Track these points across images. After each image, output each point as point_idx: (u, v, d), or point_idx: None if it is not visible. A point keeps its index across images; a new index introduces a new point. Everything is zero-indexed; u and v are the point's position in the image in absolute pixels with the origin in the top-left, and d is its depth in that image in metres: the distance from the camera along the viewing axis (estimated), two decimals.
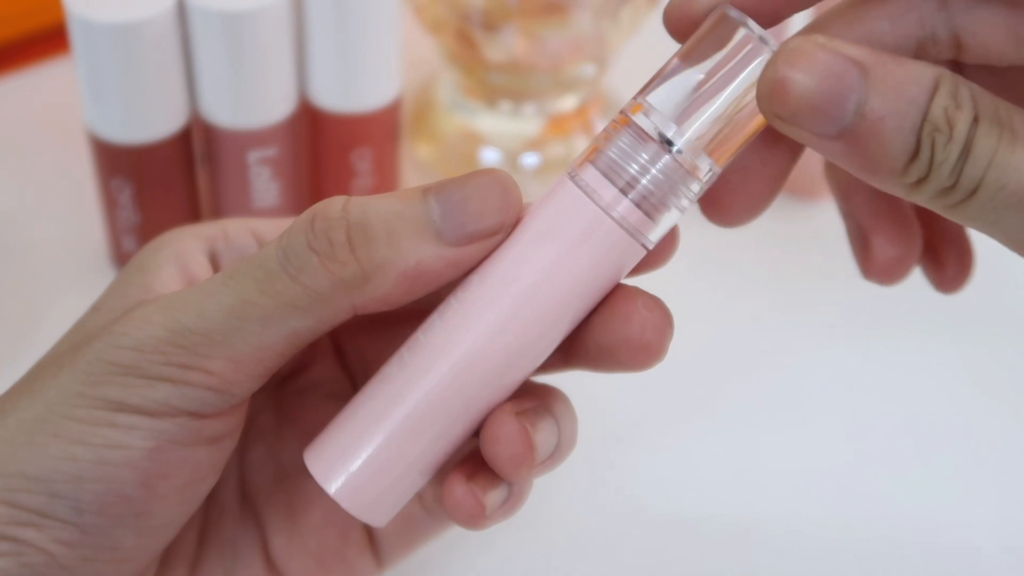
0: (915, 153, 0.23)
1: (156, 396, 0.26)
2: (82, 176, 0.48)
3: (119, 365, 0.26)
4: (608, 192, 0.26)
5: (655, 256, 0.28)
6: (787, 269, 0.50)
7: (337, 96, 0.44)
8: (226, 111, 0.43)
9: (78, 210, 0.49)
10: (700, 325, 0.43)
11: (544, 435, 0.27)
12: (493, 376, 0.26)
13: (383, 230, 0.25)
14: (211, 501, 0.31)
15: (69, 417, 0.26)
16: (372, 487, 0.27)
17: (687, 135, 0.25)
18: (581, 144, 0.53)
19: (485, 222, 0.26)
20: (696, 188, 0.26)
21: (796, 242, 0.50)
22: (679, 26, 0.27)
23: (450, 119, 0.53)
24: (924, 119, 0.23)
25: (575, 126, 0.53)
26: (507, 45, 0.48)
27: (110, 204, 0.44)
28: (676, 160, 0.25)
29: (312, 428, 0.28)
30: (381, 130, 0.46)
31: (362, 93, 0.45)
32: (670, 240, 0.28)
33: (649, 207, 0.26)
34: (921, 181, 0.23)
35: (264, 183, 0.45)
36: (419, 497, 0.32)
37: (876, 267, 0.32)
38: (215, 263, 0.31)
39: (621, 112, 0.26)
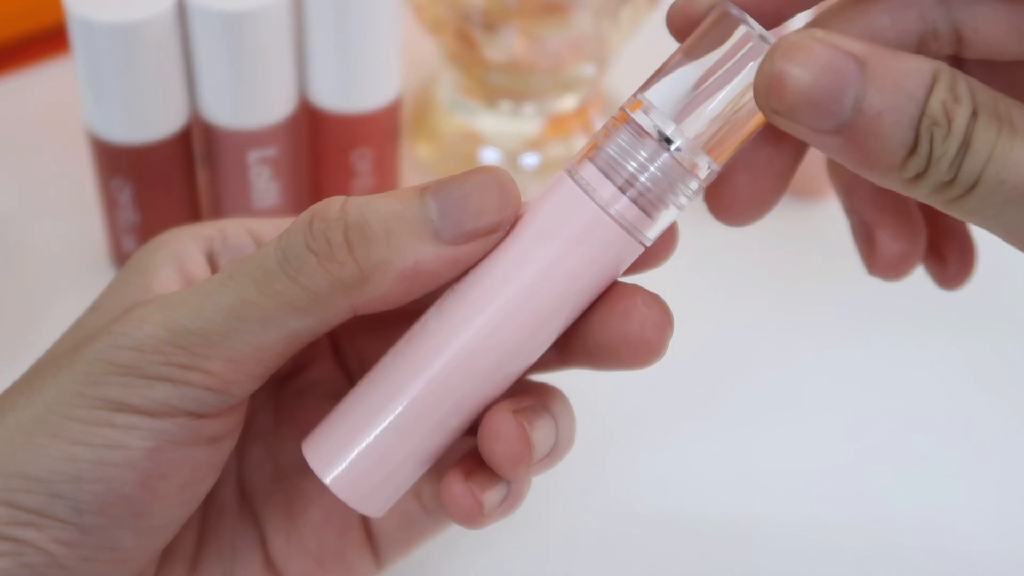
0: (913, 148, 0.23)
1: (156, 396, 0.26)
2: (82, 176, 0.48)
3: (119, 365, 0.26)
4: (607, 189, 0.26)
5: (655, 254, 0.28)
6: (787, 269, 0.50)
7: (337, 96, 0.44)
8: (226, 111, 0.43)
9: (78, 210, 0.49)
10: (700, 324, 0.43)
11: (542, 433, 0.27)
12: (491, 370, 0.26)
13: (381, 230, 0.25)
14: (210, 501, 0.31)
15: (69, 417, 0.26)
16: (369, 478, 0.27)
17: (686, 133, 0.25)
18: (581, 144, 0.53)
19: (483, 220, 0.26)
20: (695, 186, 0.26)
21: (796, 242, 0.50)
22: (682, 27, 0.27)
23: (450, 119, 0.53)
24: (922, 113, 0.23)
25: (575, 126, 0.53)
26: (507, 45, 0.48)
27: (110, 204, 0.44)
28: (675, 158, 0.25)
29: (310, 428, 0.28)
30: (381, 130, 0.46)
31: (362, 93, 0.45)
32: (669, 238, 0.28)
33: (647, 204, 0.26)
34: (919, 176, 0.23)
35: (264, 183, 0.45)
36: (418, 496, 0.32)
37: (881, 262, 0.32)
38: (213, 263, 0.31)
39: (621, 109, 0.26)
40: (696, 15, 0.26)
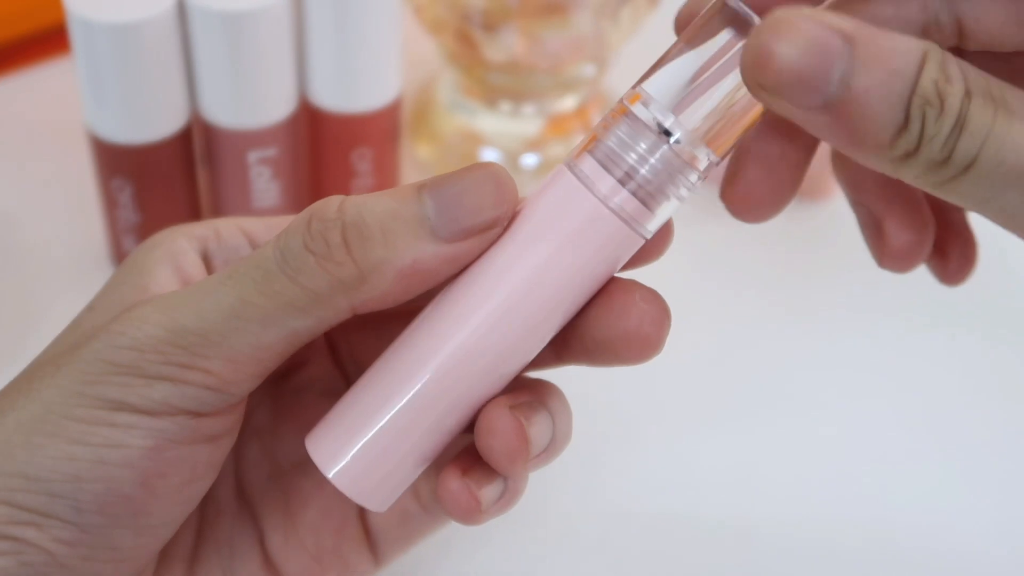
0: (903, 126, 0.23)
1: (155, 395, 0.26)
2: (82, 176, 0.48)
3: (118, 364, 0.26)
4: (606, 182, 0.26)
5: (651, 250, 0.28)
6: (788, 268, 0.50)
7: (337, 96, 0.45)
8: (226, 111, 0.43)
9: (78, 210, 0.49)
10: (700, 322, 0.44)
11: (539, 429, 0.27)
12: (492, 365, 0.26)
13: (378, 229, 0.25)
14: (208, 499, 0.31)
15: (68, 417, 0.26)
16: (371, 472, 0.27)
17: (685, 125, 0.25)
18: None
19: (480, 216, 0.26)
20: (694, 178, 0.26)
21: (797, 241, 0.50)
22: None
23: (450, 119, 0.53)
24: (913, 92, 0.22)
25: (575, 126, 0.53)
26: (507, 45, 0.48)
27: (110, 204, 0.44)
28: (674, 150, 0.25)
29: (307, 426, 0.28)
30: (381, 130, 0.46)
31: (362, 93, 0.45)
32: (665, 234, 0.28)
33: (647, 197, 0.26)
34: (909, 155, 0.23)
35: (264, 183, 0.45)
36: (415, 493, 0.32)
37: (890, 254, 0.31)
38: (208, 263, 0.31)
39: (619, 102, 0.26)
40: None
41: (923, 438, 0.43)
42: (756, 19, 0.25)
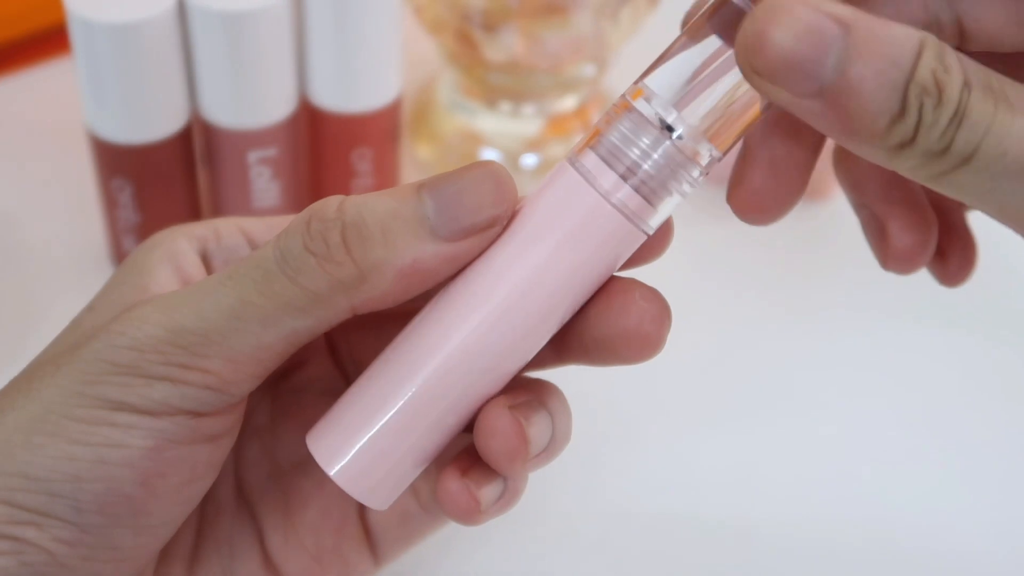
0: (899, 115, 0.22)
1: (155, 395, 0.26)
2: (82, 176, 0.49)
3: (118, 364, 0.26)
4: (608, 178, 0.26)
5: (651, 249, 0.28)
6: (788, 267, 0.50)
7: (337, 96, 0.45)
8: (226, 111, 0.43)
9: (78, 210, 0.49)
10: (700, 322, 0.44)
11: (538, 429, 0.27)
12: (493, 363, 0.26)
13: (378, 229, 0.25)
14: (208, 499, 0.31)
15: (68, 416, 0.26)
16: (372, 470, 0.27)
17: (688, 120, 0.25)
18: None
19: (480, 215, 0.26)
20: (696, 173, 0.26)
21: (797, 241, 0.50)
22: None
23: (450, 119, 0.53)
24: (910, 80, 0.22)
25: (575, 126, 0.53)
26: (507, 45, 0.48)
27: (110, 204, 0.44)
28: (676, 146, 0.25)
29: (307, 426, 0.28)
30: (381, 130, 0.46)
31: (362, 93, 0.45)
32: (665, 232, 0.28)
33: (649, 193, 0.26)
34: (905, 145, 0.23)
35: (264, 183, 0.45)
36: (415, 493, 0.32)
37: (895, 255, 0.31)
38: (207, 263, 0.31)
39: (622, 97, 0.26)
40: None
41: (923, 438, 0.43)
42: None
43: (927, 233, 0.31)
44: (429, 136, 0.54)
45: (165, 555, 0.30)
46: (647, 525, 0.40)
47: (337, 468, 0.27)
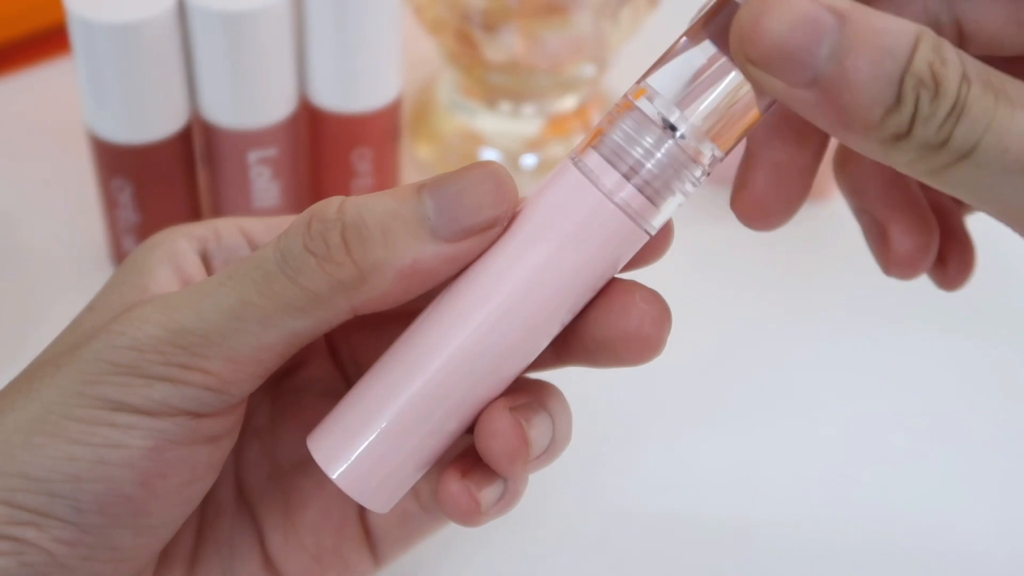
0: (894, 105, 0.22)
1: (155, 396, 0.26)
2: (82, 176, 0.49)
3: (118, 365, 0.26)
4: (611, 177, 0.25)
5: (651, 250, 0.28)
6: (788, 268, 0.50)
7: (337, 96, 0.45)
8: (226, 111, 0.43)
9: (78, 210, 0.49)
10: (700, 323, 0.44)
11: (539, 430, 0.27)
12: (494, 364, 0.26)
13: (378, 230, 0.25)
14: (208, 499, 0.31)
15: (68, 417, 0.26)
16: (374, 473, 0.27)
17: (690, 120, 0.25)
18: None
19: (480, 216, 0.26)
20: (699, 173, 0.26)
21: (797, 241, 0.50)
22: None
23: (450, 119, 0.53)
24: (905, 71, 0.22)
25: (575, 126, 0.53)
26: (507, 45, 0.48)
27: (110, 204, 0.44)
28: (679, 145, 0.25)
29: (307, 426, 0.28)
30: (381, 130, 0.46)
31: (362, 93, 0.45)
32: (665, 235, 0.28)
33: (652, 192, 0.26)
34: (901, 137, 0.23)
35: (264, 183, 0.45)
36: (415, 494, 0.32)
37: (896, 260, 0.31)
38: (207, 263, 0.31)
39: (624, 97, 0.26)
40: None
41: (923, 438, 0.43)
42: None
43: (928, 237, 0.31)
44: (429, 136, 0.54)
45: (165, 555, 0.30)
46: (647, 526, 0.40)
47: (339, 471, 0.27)
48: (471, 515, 0.28)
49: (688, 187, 0.26)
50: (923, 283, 0.34)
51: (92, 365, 0.26)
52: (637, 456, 0.42)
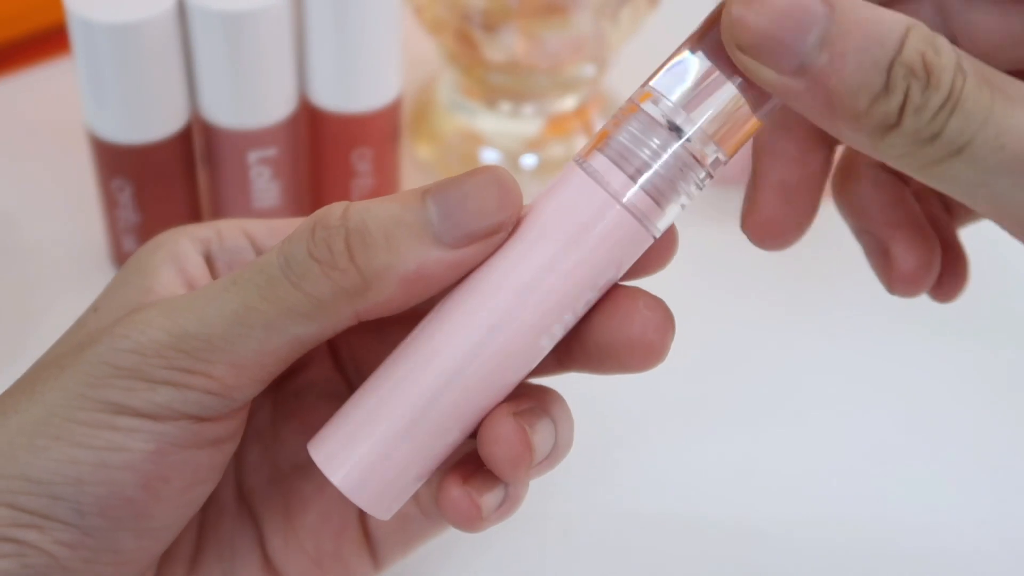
0: (882, 94, 0.22)
1: (157, 399, 0.26)
2: (82, 176, 0.48)
3: (120, 368, 0.26)
4: (618, 178, 0.25)
5: (656, 259, 0.27)
6: (788, 270, 0.50)
7: (337, 96, 0.44)
8: (226, 111, 0.43)
9: (78, 210, 0.49)
10: (700, 325, 0.44)
11: (542, 436, 0.27)
12: (497, 370, 0.26)
13: (382, 236, 0.25)
14: (209, 502, 0.31)
15: (70, 419, 0.26)
16: (376, 478, 0.27)
17: (696, 123, 0.25)
18: (581, 144, 0.53)
19: (484, 221, 0.25)
20: (703, 176, 0.26)
21: (798, 243, 0.50)
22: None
23: (450, 119, 0.53)
24: (894, 59, 0.22)
25: (575, 126, 0.53)
26: (507, 45, 0.48)
27: (110, 204, 0.44)
28: (685, 148, 0.25)
29: (308, 429, 0.28)
30: (381, 130, 0.46)
31: (362, 93, 0.45)
32: (670, 243, 0.28)
33: (657, 194, 0.26)
34: (891, 127, 0.23)
35: (264, 183, 0.45)
36: (416, 498, 0.32)
37: (900, 277, 0.31)
38: (210, 264, 0.31)
39: (629, 100, 0.26)
40: None
41: (925, 438, 0.43)
42: None
43: (931, 254, 0.31)
44: (429, 136, 0.54)
45: (166, 558, 0.30)
46: (648, 530, 0.40)
47: (342, 476, 0.27)
48: (472, 521, 0.28)
49: (692, 189, 0.26)
50: None
51: (95, 368, 0.26)
52: (638, 459, 0.42)
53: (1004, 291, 0.48)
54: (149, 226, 0.45)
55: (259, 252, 0.31)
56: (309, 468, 0.31)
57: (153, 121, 0.42)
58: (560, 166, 0.52)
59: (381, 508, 0.27)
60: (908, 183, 0.31)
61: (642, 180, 0.25)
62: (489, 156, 0.52)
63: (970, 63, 0.23)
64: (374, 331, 0.31)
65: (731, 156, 0.26)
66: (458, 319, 0.26)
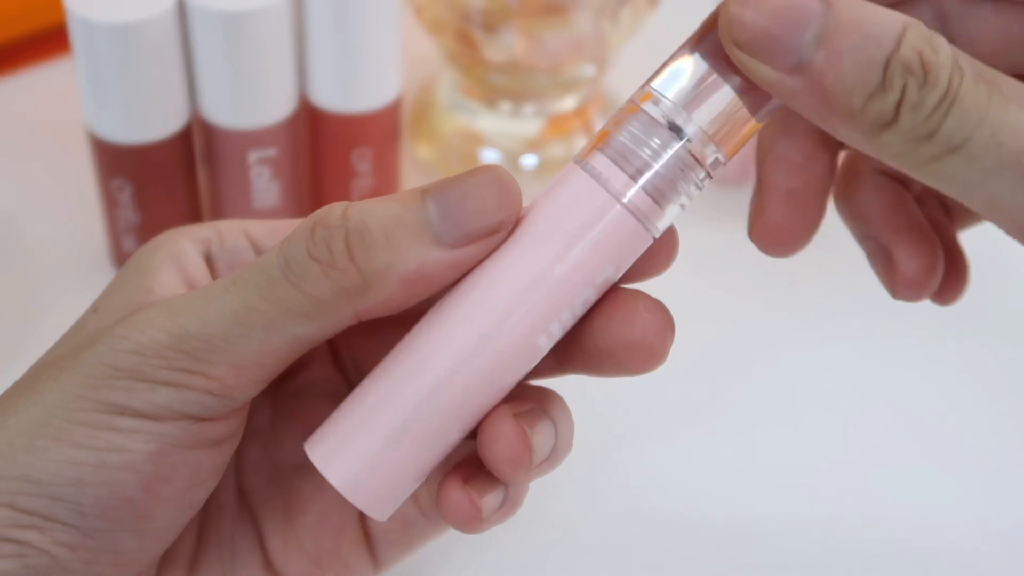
0: (879, 92, 0.22)
1: (158, 400, 0.26)
2: (82, 176, 0.48)
3: (121, 369, 0.26)
4: (619, 178, 0.26)
5: (656, 262, 0.28)
6: (787, 269, 0.50)
7: (337, 96, 0.44)
8: (226, 111, 0.43)
9: (78, 210, 0.49)
10: (699, 325, 0.43)
11: (542, 437, 0.27)
12: (497, 370, 0.26)
13: (382, 236, 0.25)
14: (209, 502, 0.31)
15: (70, 420, 0.26)
16: (374, 479, 0.27)
17: (697, 123, 0.25)
18: (581, 144, 0.53)
19: (483, 221, 0.25)
20: (702, 176, 0.26)
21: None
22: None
23: (450, 119, 0.53)
24: (891, 57, 0.22)
25: (575, 126, 0.53)
26: (507, 45, 0.48)
27: (110, 204, 0.44)
28: (685, 148, 0.25)
29: (308, 428, 0.28)
30: (381, 130, 0.46)
31: (362, 93, 0.45)
32: (671, 246, 0.28)
33: (658, 194, 0.26)
34: (887, 125, 0.23)
35: (264, 183, 0.45)
36: (415, 499, 0.32)
37: (903, 282, 0.31)
38: (210, 264, 0.31)
39: (630, 100, 0.26)
40: None
41: (924, 436, 0.43)
42: None
43: (934, 259, 0.31)
44: (429, 136, 0.54)
45: (167, 558, 0.30)
46: (648, 531, 0.40)
47: (339, 476, 0.27)
48: (472, 522, 0.28)
49: (692, 190, 0.26)
50: None
51: (95, 369, 0.26)
52: (638, 460, 0.42)
53: (1004, 291, 0.48)
54: (149, 226, 0.45)
55: (259, 252, 0.31)
56: (309, 468, 0.31)
57: (153, 121, 0.42)
58: (560, 166, 0.52)
59: (379, 508, 0.27)
60: (910, 188, 0.31)
61: (643, 180, 0.25)
62: (489, 156, 0.52)
63: (967, 61, 0.23)
64: (374, 331, 0.31)
65: (731, 157, 0.26)
66: (457, 318, 0.26)
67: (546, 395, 0.29)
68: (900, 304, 0.45)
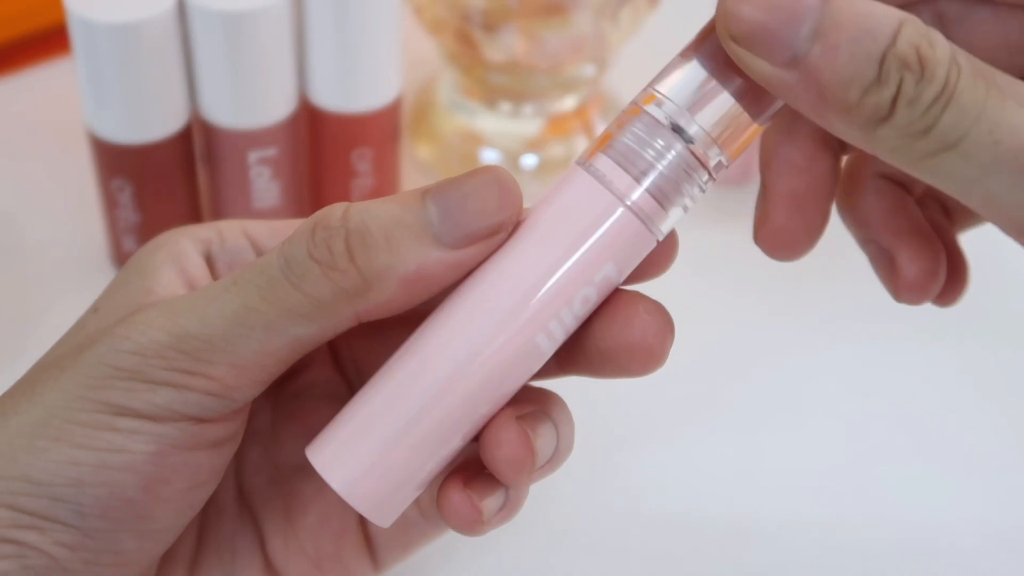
0: (874, 85, 0.22)
1: (158, 400, 0.26)
2: (82, 176, 0.48)
3: (121, 369, 0.26)
4: (623, 180, 0.25)
5: (656, 263, 0.28)
6: (787, 270, 0.50)
7: (337, 96, 0.44)
8: (226, 111, 0.43)
9: (78, 210, 0.49)
10: (700, 327, 0.43)
11: (544, 440, 0.27)
12: (499, 374, 0.26)
13: (382, 236, 0.25)
14: (210, 503, 0.31)
15: (71, 421, 0.26)
16: (376, 484, 0.26)
17: (700, 125, 0.25)
18: (581, 144, 0.53)
19: (484, 221, 0.25)
20: (705, 178, 0.26)
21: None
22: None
23: (450, 119, 0.53)
24: (887, 51, 0.22)
25: (575, 126, 0.53)
26: (507, 45, 0.48)
27: (110, 204, 0.44)
28: (689, 150, 0.25)
29: (308, 430, 0.28)
30: (381, 130, 0.46)
31: (362, 93, 0.45)
32: (671, 248, 0.28)
33: (661, 196, 0.26)
34: (883, 120, 0.23)
35: (264, 183, 0.45)
36: (416, 501, 0.31)
37: (906, 285, 0.31)
38: (211, 265, 0.31)
39: (633, 103, 0.26)
40: None
41: (924, 438, 0.43)
42: None
43: (936, 262, 0.31)
44: (429, 136, 0.54)
45: (167, 559, 0.30)
46: (649, 532, 0.40)
47: (341, 481, 0.27)
48: (473, 524, 0.28)
49: (695, 192, 0.26)
50: None
51: (95, 369, 0.26)
52: (639, 461, 0.42)
53: (1004, 292, 0.48)
54: (149, 226, 0.44)
55: (260, 253, 0.31)
56: (309, 470, 0.31)
57: (153, 121, 0.42)
58: (560, 166, 0.52)
59: (381, 514, 0.27)
60: (911, 191, 0.31)
61: (647, 182, 0.25)
62: (489, 156, 0.52)
63: (965, 58, 0.23)
64: (375, 332, 0.31)
65: (734, 159, 0.26)
66: (457, 322, 0.26)
67: (547, 397, 0.28)
68: (900, 305, 0.46)
